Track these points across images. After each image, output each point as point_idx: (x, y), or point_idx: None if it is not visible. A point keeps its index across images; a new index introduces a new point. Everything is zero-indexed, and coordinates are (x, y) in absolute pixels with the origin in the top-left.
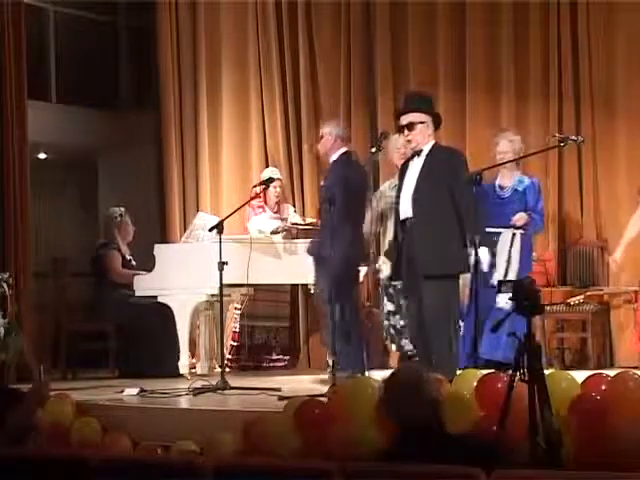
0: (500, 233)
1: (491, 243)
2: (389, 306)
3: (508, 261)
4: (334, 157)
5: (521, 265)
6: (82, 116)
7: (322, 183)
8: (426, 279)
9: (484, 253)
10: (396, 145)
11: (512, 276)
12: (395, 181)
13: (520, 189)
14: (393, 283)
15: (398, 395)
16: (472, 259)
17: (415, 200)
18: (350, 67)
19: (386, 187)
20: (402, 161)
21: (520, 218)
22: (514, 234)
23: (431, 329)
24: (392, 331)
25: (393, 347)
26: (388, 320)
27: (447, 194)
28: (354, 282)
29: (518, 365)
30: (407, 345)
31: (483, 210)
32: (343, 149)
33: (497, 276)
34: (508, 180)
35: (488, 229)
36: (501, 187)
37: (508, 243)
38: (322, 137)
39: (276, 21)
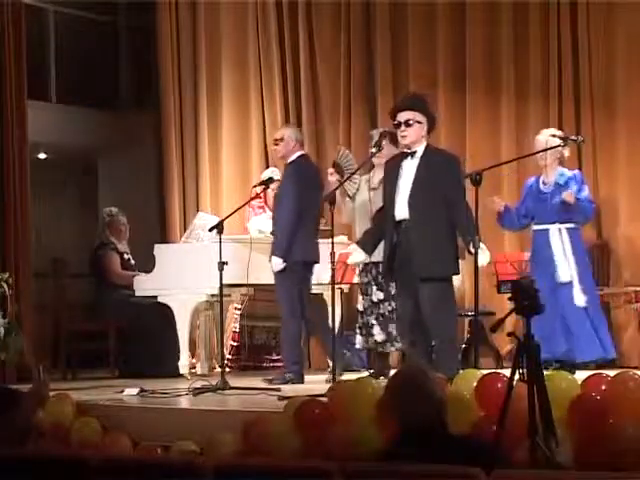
0: (548, 230)
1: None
2: (380, 295)
3: (566, 257)
4: (292, 158)
5: (577, 260)
6: (82, 116)
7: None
8: (423, 281)
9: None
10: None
11: (573, 272)
12: (369, 176)
13: (562, 182)
14: (365, 280)
15: (402, 394)
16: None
17: (411, 202)
18: (350, 67)
19: (362, 181)
20: (381, 159)
21: (569, 196)
22: (560, 229)
23: (431, 330)
24: (364, 330)
25: (358, 344)
26: (362, 318)
27: (443, 197)
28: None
29: (517, 365)
30: (378, 335)
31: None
32: (300, 152)
33: (565, 273)
34: (550, 176)
35: (535, 227)
36: (544, 183)
37: (559, 240)
38: (282, 139)
39: (276, 21)
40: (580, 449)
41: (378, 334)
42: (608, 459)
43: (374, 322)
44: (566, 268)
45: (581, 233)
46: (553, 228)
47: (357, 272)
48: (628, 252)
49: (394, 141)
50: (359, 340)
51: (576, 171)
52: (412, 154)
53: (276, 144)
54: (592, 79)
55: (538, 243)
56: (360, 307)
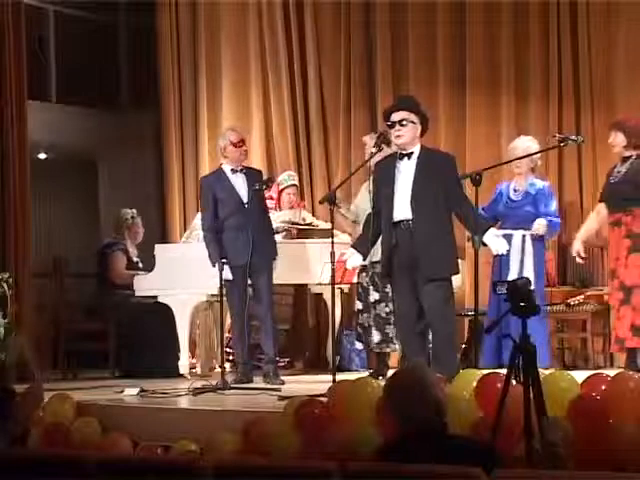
0: (512, 235)
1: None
2: (358, 305)
3: (521, 265)
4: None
5: (535, 269)
6: (82, 116)
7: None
8: (429, 281)
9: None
10: (370, 144)
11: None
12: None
13: (532, 192)
14: (359, 281)
15: (400, 396)
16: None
17: (414, 202)
18: (350, 67)
19: (362, 188)
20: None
21: (540, 226)
22: (524, 236)
23: (432, 330)
24: (360, 330)
25: (359, 346)
26: (357, 319)
27: (444, 196)
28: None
29: (513, 367)
30: (376, 336)
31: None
32: None
33: (513, 277)
34: (522, 184)
35: (501, 231)
36: (515, 190)
37: (519, 246)
38: (245, 142)
39: (276, 21)
40: (580, 449)
41: (375, 335)
42: (608, 459)
43: (372, 323)
44: (515, 272)
45: (544, 243)
46: (517, 234)
47: (356, 272)
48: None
49: (388, 142)
50: (355, 341)
51: (546, 183)
52: (408, 155)
53: (245, 145)
54: (592, 79)
55: None
56: (357, 307)
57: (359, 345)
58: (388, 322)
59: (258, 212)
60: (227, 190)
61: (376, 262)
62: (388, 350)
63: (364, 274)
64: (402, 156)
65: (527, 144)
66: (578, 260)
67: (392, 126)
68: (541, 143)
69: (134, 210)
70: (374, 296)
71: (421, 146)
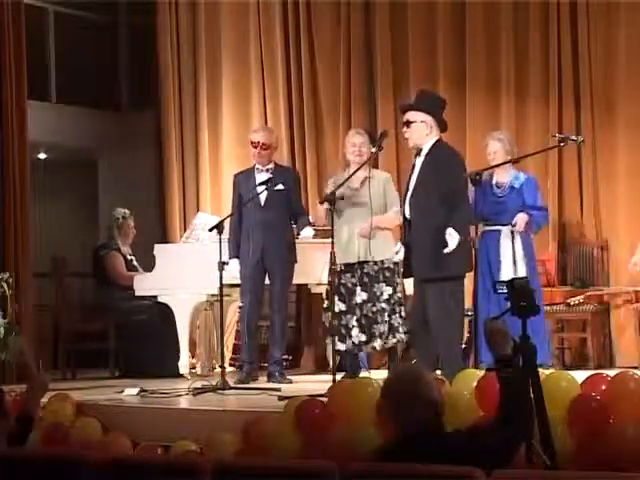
0: (500, 231)
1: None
2: (340, 306)
3: (514, 262)
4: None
5: (528, 267)
6: (82, 116)
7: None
8: (426, 282)
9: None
10: (351, 140)
11: (518, 275)
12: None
13: (517, 186)
14: (342, 282)
15: (397, 398)
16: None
17: (412, 202)
18: (350, 67)
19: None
20: (355, 157)
21: (522, 222)
22: (513, 232)
23: (435, 330)
24: (343, 331)
25: (342, 347)
26: (339, 320)
27: (443, 195)
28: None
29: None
30: (356, 337)
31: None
32: None
33: (507, 273)
34: (504, 178)
35: (487, 227)
36: (498, 185)
37: (510, 242)
38: (263, 145)
39: (276, 21)
40: (580, 449)
41: (356, 336)
42: (608, 459)
43: (354, 324)
44: (510, 269)
45: (532, 238)
46: (505, 230)
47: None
48: (628, 252)
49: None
50: (337, 342)
51: (529, 175)
52: (419, 152)
53: (262, 146)
54: (592, 79)
55: (487, 244)
56: (337, 309)
57: (338, 346)
58: (376, 321)
59: (276, 212)
60: (249, 189)
61: (364, 262)
62: (370, 350)
63: (349, 275)
64: (417, 153)
65: (500, 137)
66: (633, 270)
67: (404, 126)
68: (541, 143)
69: (126, 210)
70: (362, 296)
71: (434, 142)
